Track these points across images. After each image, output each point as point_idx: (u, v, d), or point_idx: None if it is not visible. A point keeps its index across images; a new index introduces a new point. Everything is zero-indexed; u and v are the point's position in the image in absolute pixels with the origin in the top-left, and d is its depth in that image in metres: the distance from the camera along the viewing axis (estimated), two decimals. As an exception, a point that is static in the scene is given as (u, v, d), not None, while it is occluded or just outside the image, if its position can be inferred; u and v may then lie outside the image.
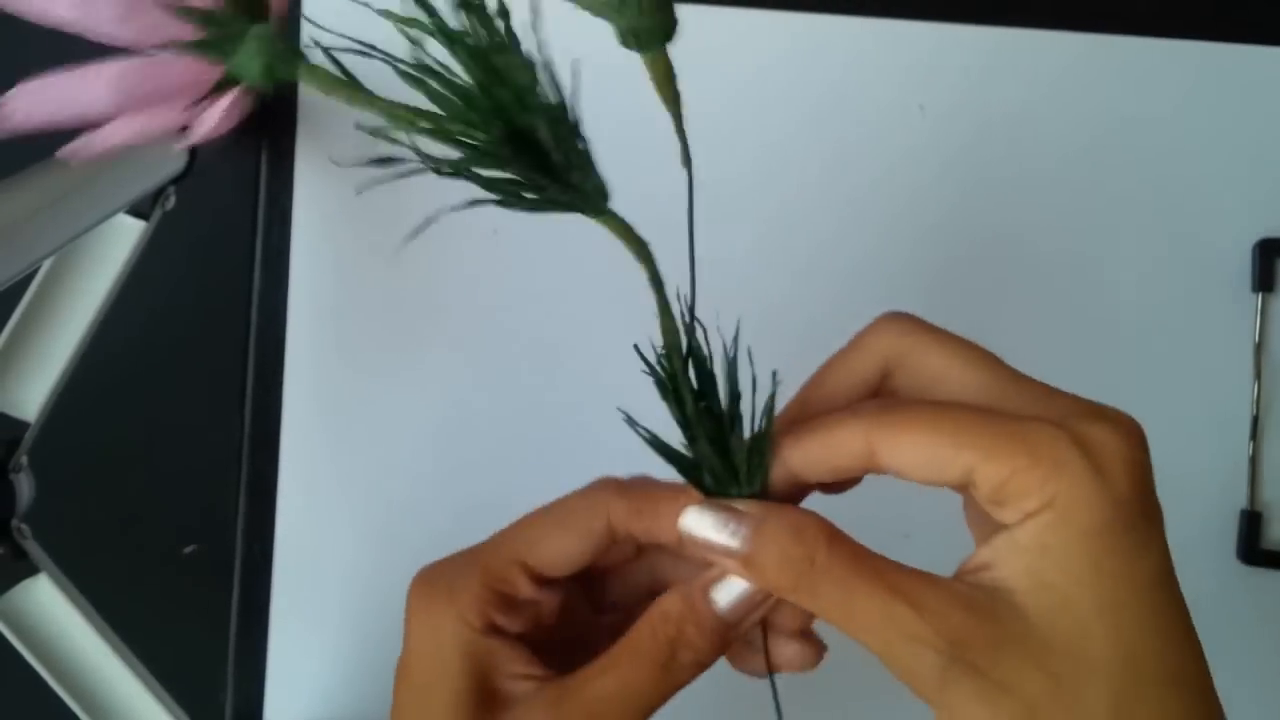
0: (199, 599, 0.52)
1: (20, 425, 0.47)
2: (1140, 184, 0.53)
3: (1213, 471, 0.53)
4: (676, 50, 0.27)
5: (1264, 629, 0.53)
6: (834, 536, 0.27)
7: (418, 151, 0.24)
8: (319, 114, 0.51)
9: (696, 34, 0.53)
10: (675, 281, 0.28)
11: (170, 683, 0.49)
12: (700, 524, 0.28)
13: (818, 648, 0.31)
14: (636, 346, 0.29)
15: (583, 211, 0.27)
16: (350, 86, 0.25)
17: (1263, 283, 0.52)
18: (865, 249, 0.53)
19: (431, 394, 0.52)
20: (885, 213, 0.53)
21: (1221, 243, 0.53)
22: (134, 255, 0.48)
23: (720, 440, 0.29)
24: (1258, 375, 0.53)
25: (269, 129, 0.52)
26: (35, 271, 0.47)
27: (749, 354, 0.29)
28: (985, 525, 0.27)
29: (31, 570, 0.47)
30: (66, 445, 0.48)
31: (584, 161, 0.26)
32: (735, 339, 0.29)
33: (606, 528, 0.31)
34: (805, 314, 0.53)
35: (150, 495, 0.53)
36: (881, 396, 0.29)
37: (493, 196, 0.26)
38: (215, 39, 0.25)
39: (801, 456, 0.28)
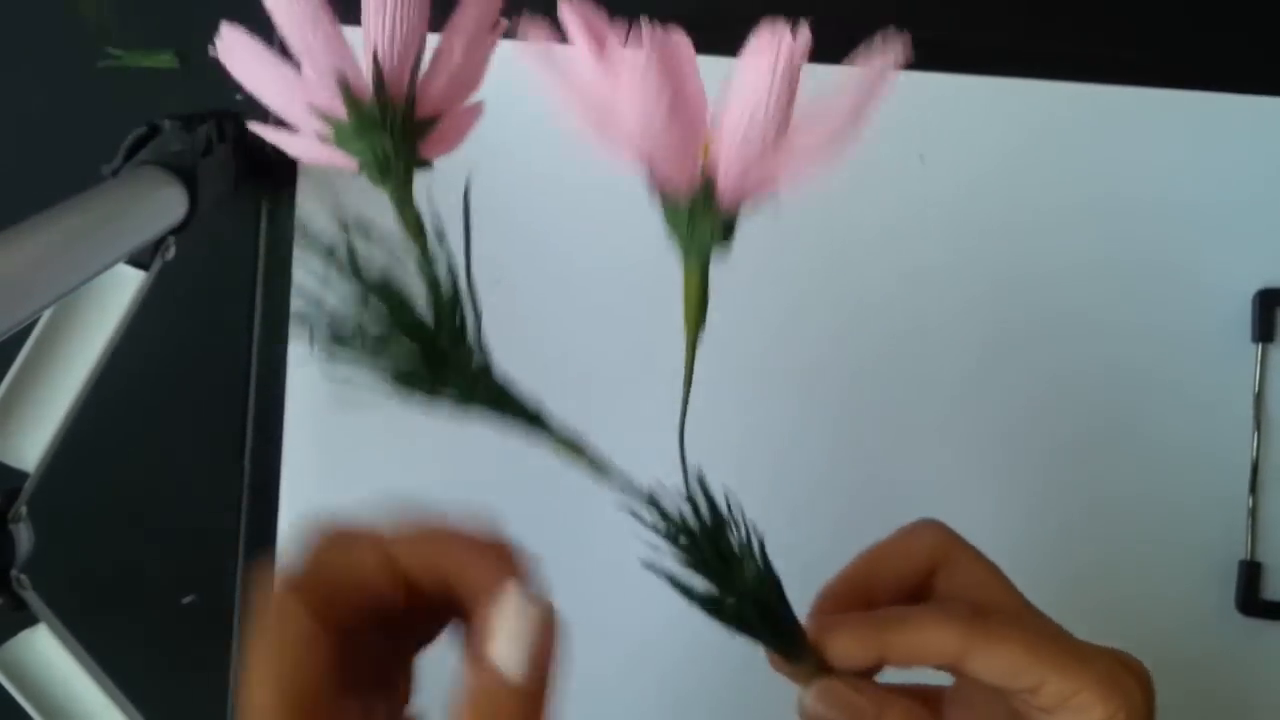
0: (198, 649, 0.52)
1: (20, 475, 0.47)
2: (1140, 234, 0.53)
3: (1212, 522, 0.53)
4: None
5: (1263, 680, 0.53)
6: None
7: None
8: (319, 165, 0.51)
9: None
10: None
11: (169, 733, 0.49)
12: (822, 703, 0.30)
13: None
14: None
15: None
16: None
17: (1263, 333, 0.52)
18: (861, 296, 0.53)
19: (431, 445, 0.52)
20: (882, 261, 0.53)
21: (1221, 293, 0.53)
22: (134, 305, 0.48)
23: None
24: (1257, 425, 0.53)
25: (269, 180, 0.52)
26: (36, 321, 0.47)
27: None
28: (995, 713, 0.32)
29: (31, 620, 0.47)
30: (66, 495, 0.48)
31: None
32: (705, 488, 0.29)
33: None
34: (799, 356, 0.53)
35: (149, 545, 0.53)
36: (937, 596, 0.33)
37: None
38: None
39: (894, 646, 0.30)
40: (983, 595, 0.32)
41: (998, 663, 0.30)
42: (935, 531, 0.34)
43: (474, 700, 0.26)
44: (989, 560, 0.33)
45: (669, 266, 0.29)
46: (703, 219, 0.28)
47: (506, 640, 0.26)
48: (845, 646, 0.30)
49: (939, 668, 0.30)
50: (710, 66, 0.53)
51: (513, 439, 0.31)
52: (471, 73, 0.30)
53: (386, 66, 0.28)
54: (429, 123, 0.30)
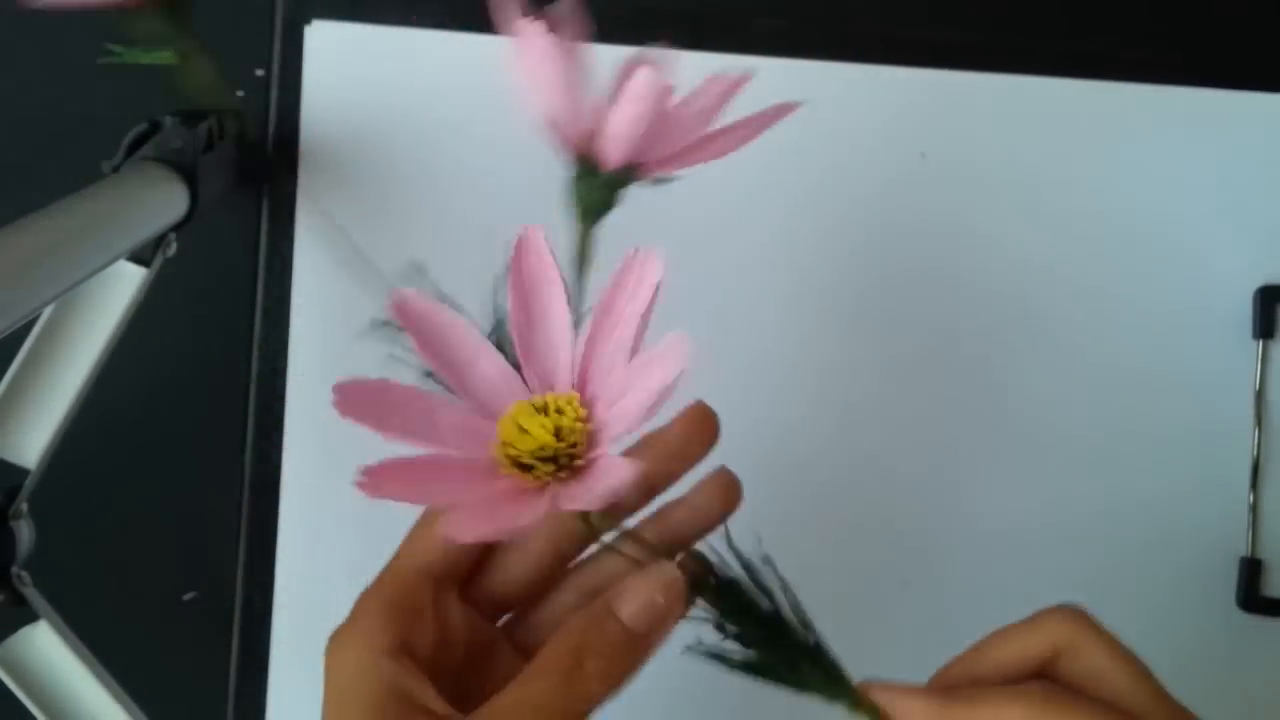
0: (199, 647, 0.52)
1: (21, 472, 0.47)
2: (1141, 230, 0.53)
3: (1213, 518, 0.53)
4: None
5: (1264, 677, 0.53)
6: None
7: None
8: (320, 162, 0.51)
9: (698, 79, 0.53)
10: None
11: (170, 730, 0.49)
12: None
13: None
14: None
15: None
16: None
17: (1263, 329, 0.52)
18: (863, 292, 0.53)
19: (432, 441, 0.52)
20: (885, 258, 0.53)
21: (1222, 289, 0.53)
22: (135, 302, 0.48)
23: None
24: (1258, 422, 0.53)
25: (270, 177, 0.52)
26: (36, 318, 0.47)
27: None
28: None
29: (31, 617, 0.47)
30: (67, 492, 0.48)
31: None
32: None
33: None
34: (800, 352, 0.53)
35: (150, 542, 0.53)
36: (1043, 679, 0.32)
37: None
38: None
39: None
40: (1102, 686, 0.31)
41: None
42: (1065, 616, 0.32)
43: (590, 626, 0.30)
44: (1123, 650, 0.31)
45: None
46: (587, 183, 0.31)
47: (637, 595, 0.30)
48: (910, 713, 0.30)
49: None
50: (710, 63, 0.53)
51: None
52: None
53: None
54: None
